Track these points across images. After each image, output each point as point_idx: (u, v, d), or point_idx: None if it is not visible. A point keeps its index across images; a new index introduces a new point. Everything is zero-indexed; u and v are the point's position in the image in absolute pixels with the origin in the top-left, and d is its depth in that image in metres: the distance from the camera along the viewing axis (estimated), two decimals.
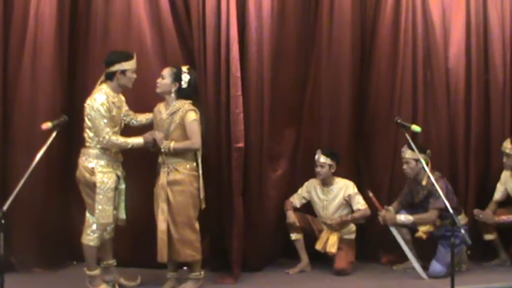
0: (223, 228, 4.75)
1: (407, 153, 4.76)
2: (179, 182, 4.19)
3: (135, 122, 4.46)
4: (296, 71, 5.20)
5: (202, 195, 4.30)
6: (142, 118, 4.49)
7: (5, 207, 3.37)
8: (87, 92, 4.85)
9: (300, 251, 4.97)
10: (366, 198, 4.95)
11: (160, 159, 4.29)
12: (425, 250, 4.90)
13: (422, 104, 5.21)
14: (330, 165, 4.89)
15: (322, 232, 4.92)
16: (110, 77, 4.21)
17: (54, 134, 3.92)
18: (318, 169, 4.92)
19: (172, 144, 4.16)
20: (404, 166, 4.82)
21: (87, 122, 4.13)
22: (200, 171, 4.29)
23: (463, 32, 5.26)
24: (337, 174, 5.01)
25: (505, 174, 5.07)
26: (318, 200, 5.00)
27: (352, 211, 4.94)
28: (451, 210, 3.84)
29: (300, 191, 5.07)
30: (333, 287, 4.61)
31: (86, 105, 4.13)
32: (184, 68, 4.31)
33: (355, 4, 5.18)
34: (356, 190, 4.93)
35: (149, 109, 4.85)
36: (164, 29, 4.86)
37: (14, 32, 4.71)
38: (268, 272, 4.93)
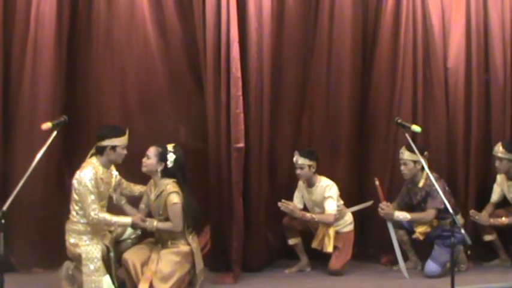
0: (223, 228, 4.74)
1: (406, 155, 4.72)
2: (175, 254, 4.18)
3: (127, 193, 4.43)
4: (296, 71, 5.20)
5: (198, 269, 4.28)
6: (136, 190, 4.45)
7: (5, 207, 3.37)
8: (87, 92, 4.88)
9: (299, 253, 4.96)
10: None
11: (156, 235, 4.32)
12: (424, 251, 4.90)
13: (422, 104, 5.21)
14: (310, 166, 4.76)
15: (318, 229, 4.88)
16: (100, 151, 4.14)
17: (54, 134, 3.91)
18: (298, 171, 4.79)
19: (155, 224, 4.17)
20: (402, 167, 4.78)
21: (75, 196, 4.06)
22: (194, 245, 4.26)
23: (463, 32, 5.26)
24: (337, 173, 5.01)
25: (500, 176, 5.06)
26: (306, 199, 4.96)
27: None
28: (450, 210, 3.85)
29: (296, 193, 4.99)
30: (333, 287, 4.61)
31: (74, 179, 4.05)
32: (170, 147, 4.24)
33: (356, 4, 5.18)
34: (331, 193, 4.74)
35: (151, 108, 4.86)
36: (168, 29, 4.85)
37: (15, 34, 4.71)
38: (268, 272, 4.92)
